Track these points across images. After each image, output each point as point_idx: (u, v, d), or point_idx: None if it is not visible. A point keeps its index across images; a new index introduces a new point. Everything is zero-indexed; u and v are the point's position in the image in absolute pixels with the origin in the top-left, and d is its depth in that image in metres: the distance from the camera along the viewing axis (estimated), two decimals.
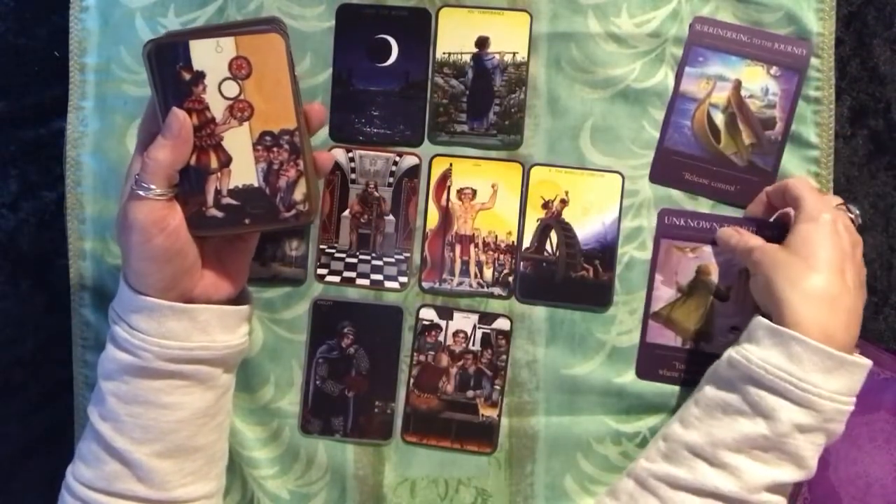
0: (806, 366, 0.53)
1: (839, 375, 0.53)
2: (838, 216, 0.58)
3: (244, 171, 0.52)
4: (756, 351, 0.55)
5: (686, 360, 0.66)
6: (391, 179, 0.66)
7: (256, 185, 0.52)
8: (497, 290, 0.66)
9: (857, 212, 0.60)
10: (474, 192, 0.66)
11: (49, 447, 0.69)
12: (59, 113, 0.67)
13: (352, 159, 0.66)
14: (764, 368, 0.54)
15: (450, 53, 0.66)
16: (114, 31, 0.66)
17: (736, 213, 0.66)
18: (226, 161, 0.52)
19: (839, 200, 0.60)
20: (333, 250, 0.66)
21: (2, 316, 0.69)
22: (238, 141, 0.51)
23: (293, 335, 0.66)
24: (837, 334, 0.54)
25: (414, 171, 0.66)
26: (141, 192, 0.50)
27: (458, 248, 0.66)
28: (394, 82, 0.66)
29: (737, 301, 0.66)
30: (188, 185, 0.52)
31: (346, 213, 0.66)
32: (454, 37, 0.66)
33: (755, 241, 0.60)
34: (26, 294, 0.69)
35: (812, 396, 0.53)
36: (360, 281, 0.66)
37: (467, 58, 0.66)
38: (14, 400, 0.69)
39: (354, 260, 0.66)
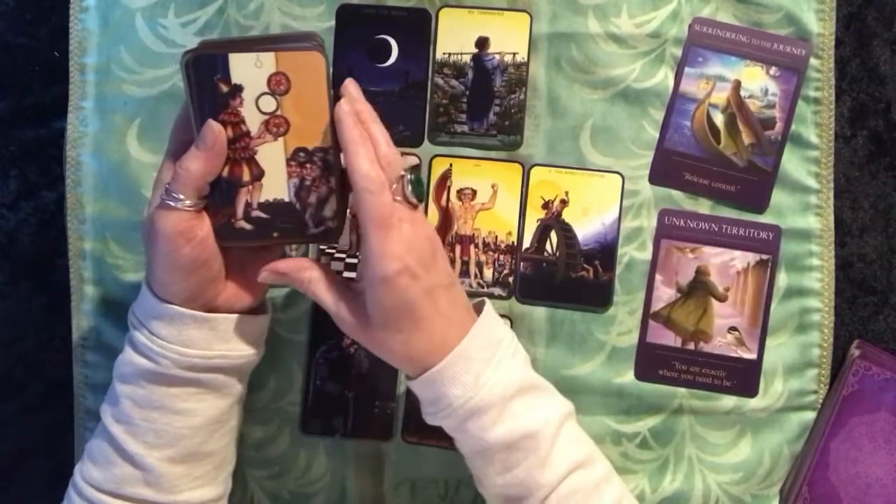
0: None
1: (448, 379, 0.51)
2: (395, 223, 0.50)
3: (276, 186, 0.52)
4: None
5: (685, 361, 0.66)
6: None
7: (287, 199, 0.52)
8: (497, 291, 0.66)
9: (411, 176, 0.52)
10: (474, 192, 0.66)
11: (49, 447, 0.69)
12: (59, 113, 0.67)
13: None
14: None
15: (450, 54, 0.66)
16: (114, 31, 0.66)
17: (736, 213, 0.66)
18: (258, 175, 0.52)
19: (399, 172, 0.52)
20: (333, 250, 0.66)
21: (2, 316, 0.69)
22: (272, 155, 0.52)
23: (293, 335, 0.66)
24: (432, 351, 0.51)
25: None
26: (170, 202, 0.50)
27: (458, 249, 0.66)
28: (394, 82, 0.66)
29: (735, 301, 0.66)
30: (219, 196, 0.52)
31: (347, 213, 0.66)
32: (454, 37, 0.66)
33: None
34: (26, 294, 0.69)
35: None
36: None
37: (467, 58, 0.66)
38: (14, 400, 0.69)
39: (354, 260, 0.66)
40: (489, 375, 0.51)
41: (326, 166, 0.52)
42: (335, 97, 0.52)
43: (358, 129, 0.51)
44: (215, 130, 0.50)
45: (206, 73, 0.50)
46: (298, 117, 0.51)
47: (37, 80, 0.68)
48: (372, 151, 0.51)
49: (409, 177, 0.51)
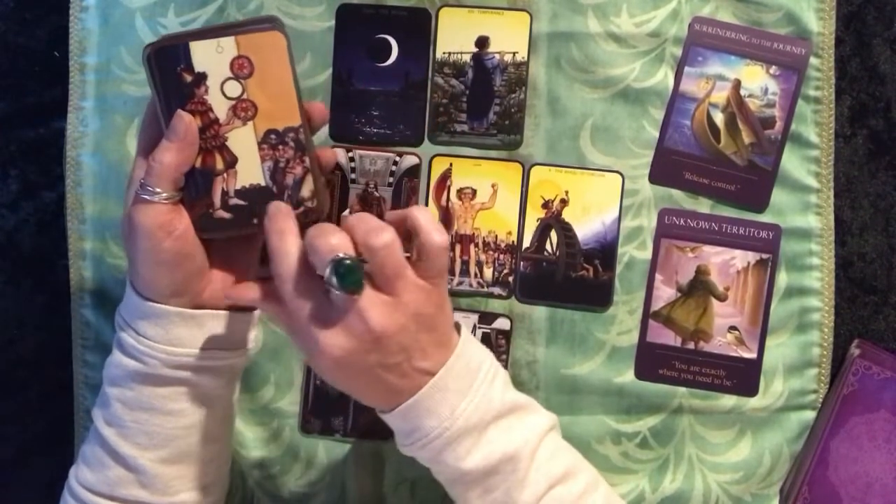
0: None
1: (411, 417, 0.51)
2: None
3: (250, 171, 0.52)
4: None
5: (685, 360, 0.66)
6: (391, 179, 0.66)
7: (263, 183, 0.52)
8: (497, 290, 0.66)
9: (344, 266, 0.47)
10: (474, 191, 0.66)
11: (49, 447, 0.69)
12: (59, 113, 0.67)
13: (352, 159, 0.66)
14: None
15: (450, 53, 0.66)
16: (114, 31, 0.66)
17: (736, 212, 0.66)
18: (231, 161, 0.51)
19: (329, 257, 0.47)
20: None
21: (2, 316, 0.69)
22: (243, 141, 0.51)
23: None
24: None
25: (414, 171, 0.66)
26: (147, 196, 0.49)
27: (458, 248, 0.66)
28: (394, 82, 0.66)
29: (735, 301, 0.66)
30: (194, 187, 0.51)
31: (347, 213, 0.66)
32: (454, 37, 0.66)
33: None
34: (26, 294, 0.69)
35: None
36: None
37: (467, 58, 0.66)
38: (14, 400, 0.69)
39: None
40: (465, 406, 0.50)
41: (299, 146, 0.51)
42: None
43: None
44: (185, 120, 0.49)
45: (169, 65, 0.50)
46: (265, 99, 0.51)
47: (37, 80, 0.68)
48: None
49: (343, 259, 0.47)
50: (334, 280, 0.46)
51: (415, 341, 0.49)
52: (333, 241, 0.47)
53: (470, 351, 0.52)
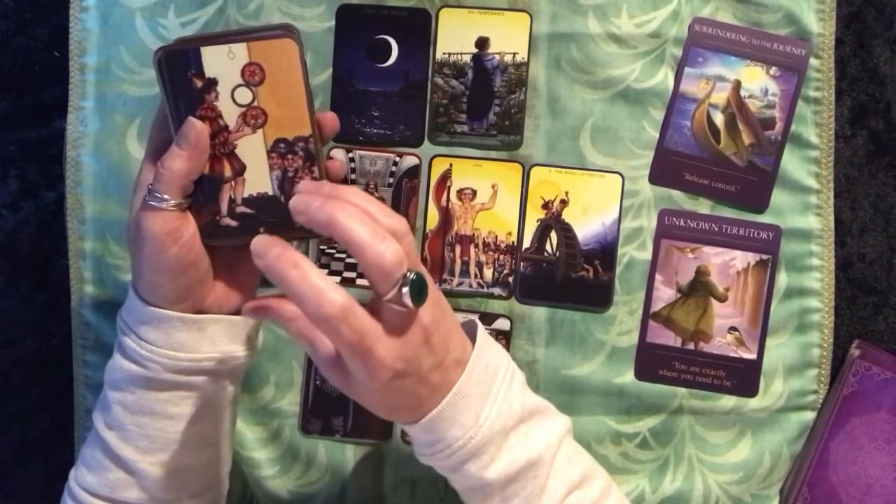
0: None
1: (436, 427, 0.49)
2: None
3: (258, 180, 0.51)
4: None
5: (685, 361, 0.66)
6: (391, 180, 0.66)
7: (271, 193, 0.51)
8: (497, 291, 0.66)
9: (413, 276, 0.45)
10: (474, 192, 0.66)
11: (49, 447, 0.69)
12: (59, 113, 0.67)
13: (352, 159, 0.66)
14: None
15: (450, 54, 0.66)
16: (114, 31, 0.66)
17: (736, 213, 0.66)
18: (240, 169, 0.51)
19: (400, 271, 0.45)
20: (333, 250, 0.66)
21: (2, 316, 0.69)
22: (252, 149, 0.51)
23: None
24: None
25: (414, 172, 0.66)
26: (154, 203, 0.49)
27: (458, 249, 0.66)
28: (394, 82, 0.66)
29: (735, 301, 0.66)
30: (202, 194, 0.51)
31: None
32: (454, 37, 0.66)
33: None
34: (26, 294, 0.69)
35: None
36: (360, 281, 0.66)
37: (467, 58, 0.66)
38: (14, 400, 0.69)
39: (354, 260, 0.66)
40: (488, 412, 0.49)
41: (308, 156, 0.51)
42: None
43: (290, 266, 0.45)
44: (197, 127, 0.49)
45: (180, 70, 0.49)
46: (276, 107, 0.50)
47: (37, 80, 0.68)
48: (313, 280, 0.44)
49: (411, 277, 0.44)
50: (408, 300, 0.44)
51: (445, 328, 0.48)
52: (396, 253, 0.44)
53: (488, 353, 0.51)
